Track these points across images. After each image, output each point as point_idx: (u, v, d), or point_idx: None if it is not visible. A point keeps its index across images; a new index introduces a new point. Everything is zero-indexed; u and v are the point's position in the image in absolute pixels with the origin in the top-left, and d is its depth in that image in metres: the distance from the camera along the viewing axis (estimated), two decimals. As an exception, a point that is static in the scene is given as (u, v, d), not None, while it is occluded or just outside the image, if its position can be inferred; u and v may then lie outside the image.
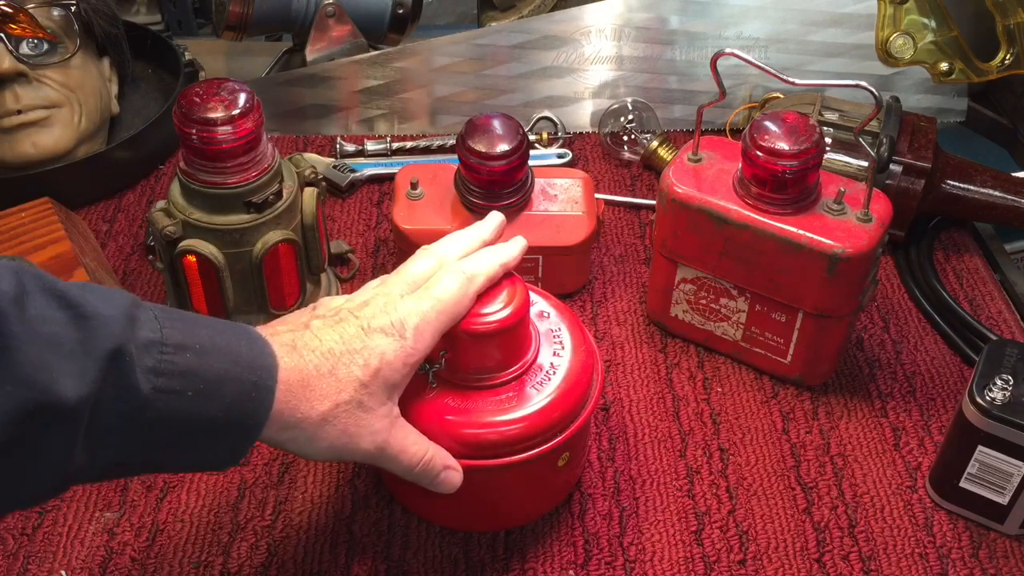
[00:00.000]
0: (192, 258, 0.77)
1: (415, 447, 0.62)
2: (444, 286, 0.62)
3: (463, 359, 0.65)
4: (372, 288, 0.65)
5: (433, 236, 0.84)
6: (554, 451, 0.66)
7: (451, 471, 0.63)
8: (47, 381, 0.45)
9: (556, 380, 0.66)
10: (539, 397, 0.65)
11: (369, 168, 1.03)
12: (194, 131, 0.74)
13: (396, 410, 0.61)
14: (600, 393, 0.69)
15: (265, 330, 0.59)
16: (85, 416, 0.47)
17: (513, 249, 0.67)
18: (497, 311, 0.63)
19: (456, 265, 0.64)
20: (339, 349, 0.58)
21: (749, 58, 0.72)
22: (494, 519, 0.71)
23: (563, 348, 0.69)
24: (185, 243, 0.76)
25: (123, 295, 0.51)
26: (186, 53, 1.11)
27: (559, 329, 0.70)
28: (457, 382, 0.65)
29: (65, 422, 0.47)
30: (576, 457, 0.71)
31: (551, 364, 0.67)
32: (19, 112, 0.94)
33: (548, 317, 0.71)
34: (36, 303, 0.47)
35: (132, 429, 0.50)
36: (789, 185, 0.74)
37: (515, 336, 0.65)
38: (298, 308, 0.83)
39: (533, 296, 0.70)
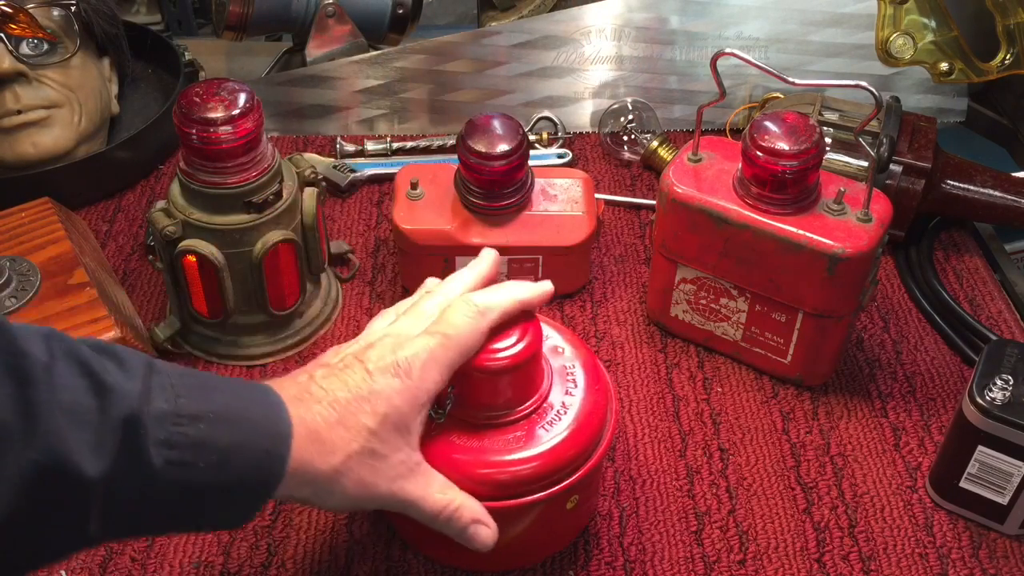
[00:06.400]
0: (192, 258, 0.77)
1: (438, 495, 0.59)
2: (453, 320, 0.59)
3: (471, 396, 0.62)
4: (379, 329, 0.63)
5: (433, 236, 0.84)
6: (562, 494, 0.64)
7: (480, 526, 0.60)
8: (65, 452, 0.45)
9: (567, 420, 0.64)
10: (548, 437, 0.63)
11: (369, 168, 1.03)
12: (194, 131, 0.74)
13: (416, 456, 0.59)
14: (613, 435, 0.66)
15: (274, 383, 0.57)
16: (101, 492, 0.47)
17: (534, 289, 0.63)
18: (508, 347, 0.61)
19: (465, 297, 0.61)
20: (344, 397, 0.56)
21: (749, 58, 0.72)
22: (497, 560, 0.68)
23: (576, 387, 0.66)
24: (185, 243, 0.76)
25: (140, 359, 0.51)
26: (186, 53, 1.11)
27: (573, 367, 0.67)
28: (465, 419, 0.63)
29: (82, 495, 0.47)
30: (586, 500, 0.68)
31: (562, 403, 0.65)
32: (19, 112, 0.94)
33: (562, 353, 0.68)
34: (60, 371, 0.47)
35: (144, 502, 0.49)
36: (789, 185, 0.74)
37: (526, 373, 0.63)
38: (298, 308, 0.83)
39: (548, 330, 0.67)
